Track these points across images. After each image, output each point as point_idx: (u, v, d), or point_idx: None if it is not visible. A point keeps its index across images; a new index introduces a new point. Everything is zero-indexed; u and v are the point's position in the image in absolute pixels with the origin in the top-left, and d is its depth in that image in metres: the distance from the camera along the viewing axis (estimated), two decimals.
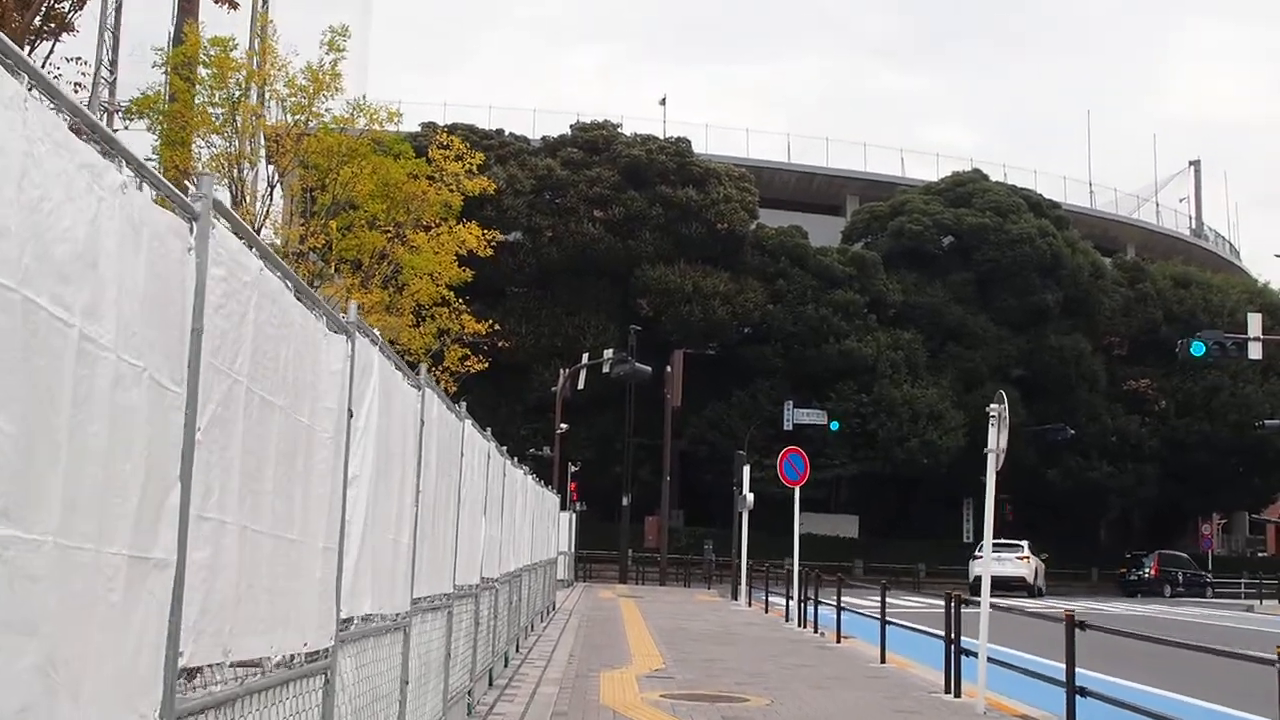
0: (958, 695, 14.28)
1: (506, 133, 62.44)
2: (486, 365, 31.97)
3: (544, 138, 63.09)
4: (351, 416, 5.61)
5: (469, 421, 10.17)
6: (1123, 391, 68.28)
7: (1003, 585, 53.75)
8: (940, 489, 65.35)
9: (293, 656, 4.79)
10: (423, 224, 28.91)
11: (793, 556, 28.67)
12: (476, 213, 34.08)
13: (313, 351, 4.91)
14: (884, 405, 60.20)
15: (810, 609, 25.54)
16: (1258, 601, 50.47)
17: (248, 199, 27.93)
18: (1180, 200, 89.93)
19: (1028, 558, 52.81)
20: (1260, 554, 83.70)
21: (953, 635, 14.62)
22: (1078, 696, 10.88)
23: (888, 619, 19.61)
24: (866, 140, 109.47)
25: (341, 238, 27.97)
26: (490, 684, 13.78)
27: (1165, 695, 14.97)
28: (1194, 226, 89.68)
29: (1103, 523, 76.26)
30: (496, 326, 32.26)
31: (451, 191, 29.83)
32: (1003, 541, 51.72)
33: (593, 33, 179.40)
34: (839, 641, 21.79)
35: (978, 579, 54.26)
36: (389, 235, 28.07)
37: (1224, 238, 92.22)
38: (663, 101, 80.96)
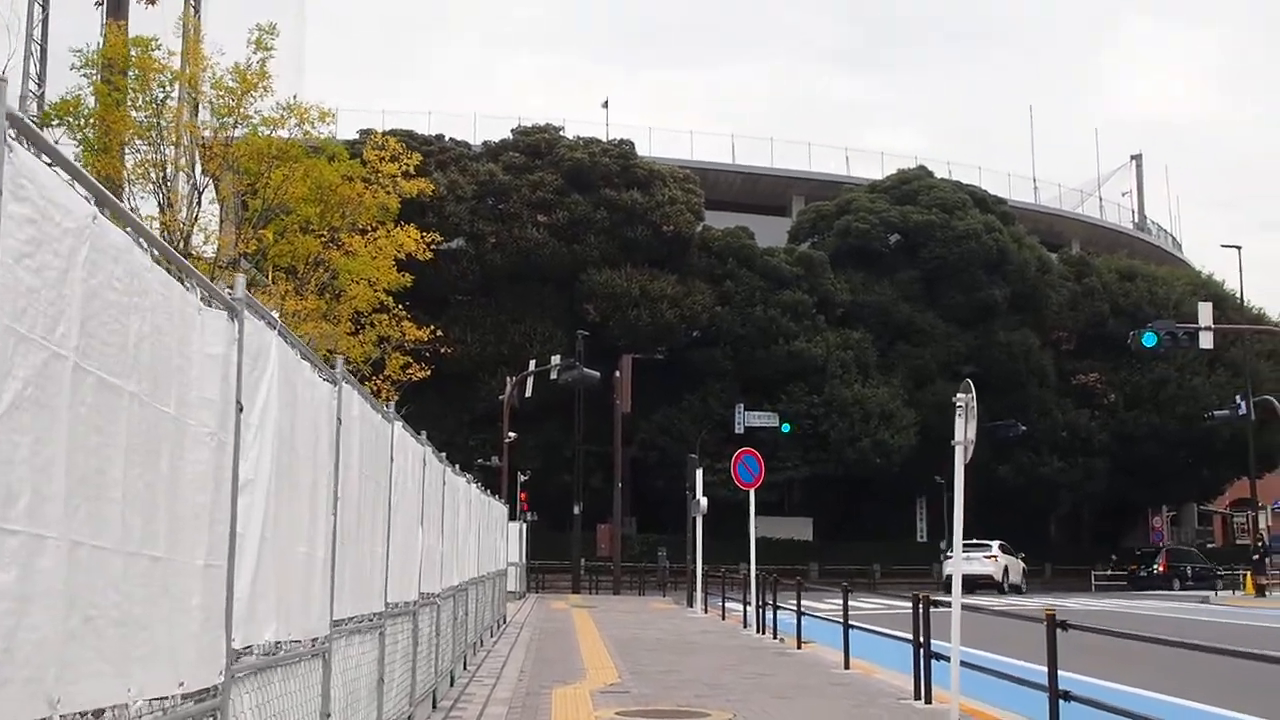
0: (928, 701, 13.56)
1: (447, 138, 61.56)
2: (429, 373, 31.03)
3: (485, 143, 62.18)
4: (241, 410, 4.78)
5: (399, 424, 9.32)
6: (1071, 386, 68.09)
7: (972, 584, 54.19)
8: (893, 488, 64.89)
9: (166, 699, 3.95)
10: (359, 228, 27.95)
11: (749, 561, 27.95)
12: (417, 219, 33.14)
13: (180, 329, 4.08)
14: (835, 406, 59.67)
15: (768, 614, 24.83)
16: (1212, 593, 50.14)
17: (175, 206, 26.88)
18: (1123, 194, 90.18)
19: (995, 556, 53.95)
20: (1210, 545, 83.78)
21: (921, 638, 13.91)
22: (1061, 701, 10.13)
23: (850, 623, 18.96)
24: (811, 140, 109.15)
25: (274, 243, 27.00)
26: (434, 706, 12.92)
27: (1153, 697, 14.29)
28: (1137, 220, 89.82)
29: (1053, 517, 76.08)
30: (439, 333, 31.28)
31: (388, 194, 28.89)
32: (973, 542, 53.12)
33: (535, 40, 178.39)
34: (799, 647, 21.05)
35: (949, 578, 54.38)
36: (324, 240, 27.10)
37: (1166, 231, 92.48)
38: (605, 105, 79.25)
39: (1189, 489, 74.94)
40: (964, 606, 12.75)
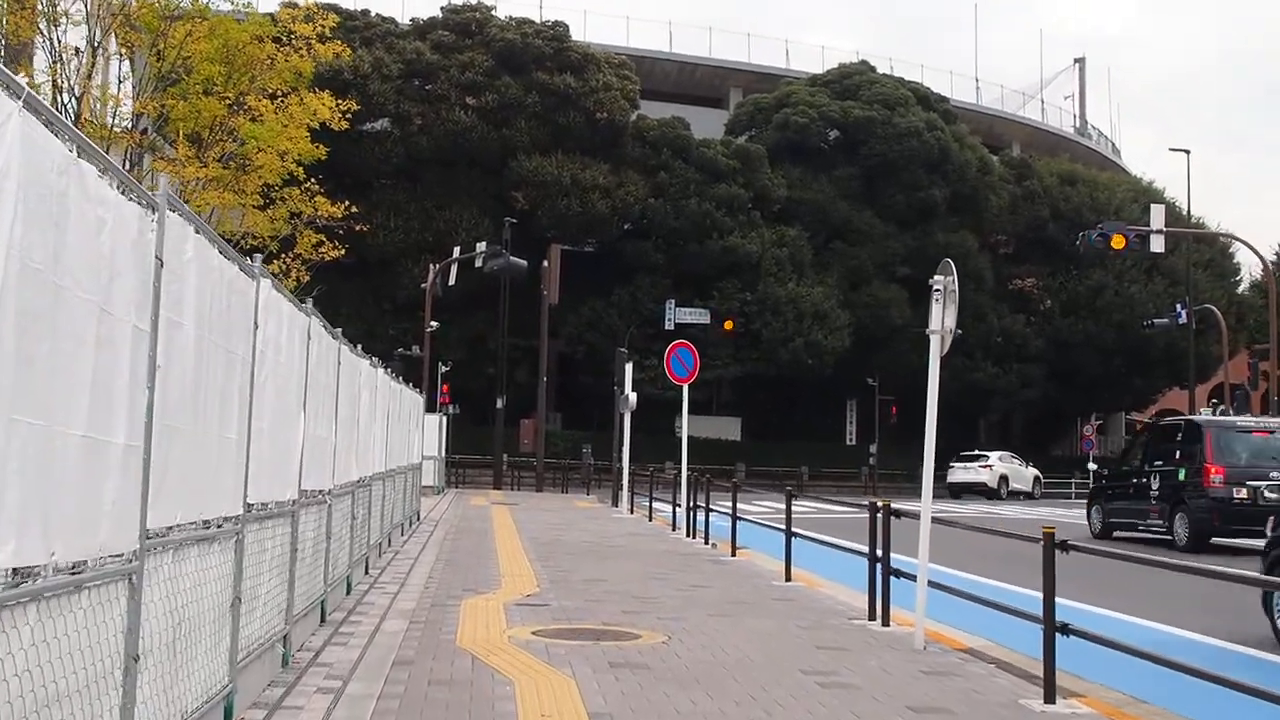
0: (886, 624, 12.03)
1: (373, 13, 58.76)
2: (343, 253, 28.93)
3: (413, 20, 59.56)
4: None
5: (269, 282, 7.49)
6: (1008, 291, 66.98)
7: (967, 489, 54.92)
8: (824, 390, 63.68)
9: None
10: (268, 93, 25.73)
11: (678, 460, 26.41)
12: (338, 96, 30.96)
13: None
14: (768, 304, 58.22)
15: (699, 517, 23.36)
16: None
17: (64, 61, 24.49)
18: (1065, 98, 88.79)
19: (991, 465, 57.74)
20: None
21: (879, 552, 12.36)
22: (1058, 635, 8.57)
23: (766, 524, 17.45)
24: (750, 31, 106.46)
25: (175, 105, 24.80)
26: (322, 619, 11.22)
27: (1158, 629, 12.83)
28: (1078, 125, 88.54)
29: (982, 424, 75.37)
30: (354, 209, 29.15)
31: (301, 58, 26.65)
32: (973, 453, 59.25)
33: None
34: (734, 554, 19.50)
35: (956, 485, 55.45)
36: (229, 104, 24.89)
37: (1106, 137, 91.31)
38: None
39: (1120, 398, 74.36)
40: (933, 519, 11.16)
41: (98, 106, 25.69)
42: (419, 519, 26.11)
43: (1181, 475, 24.86)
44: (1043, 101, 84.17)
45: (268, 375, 7.51)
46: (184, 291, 5.45)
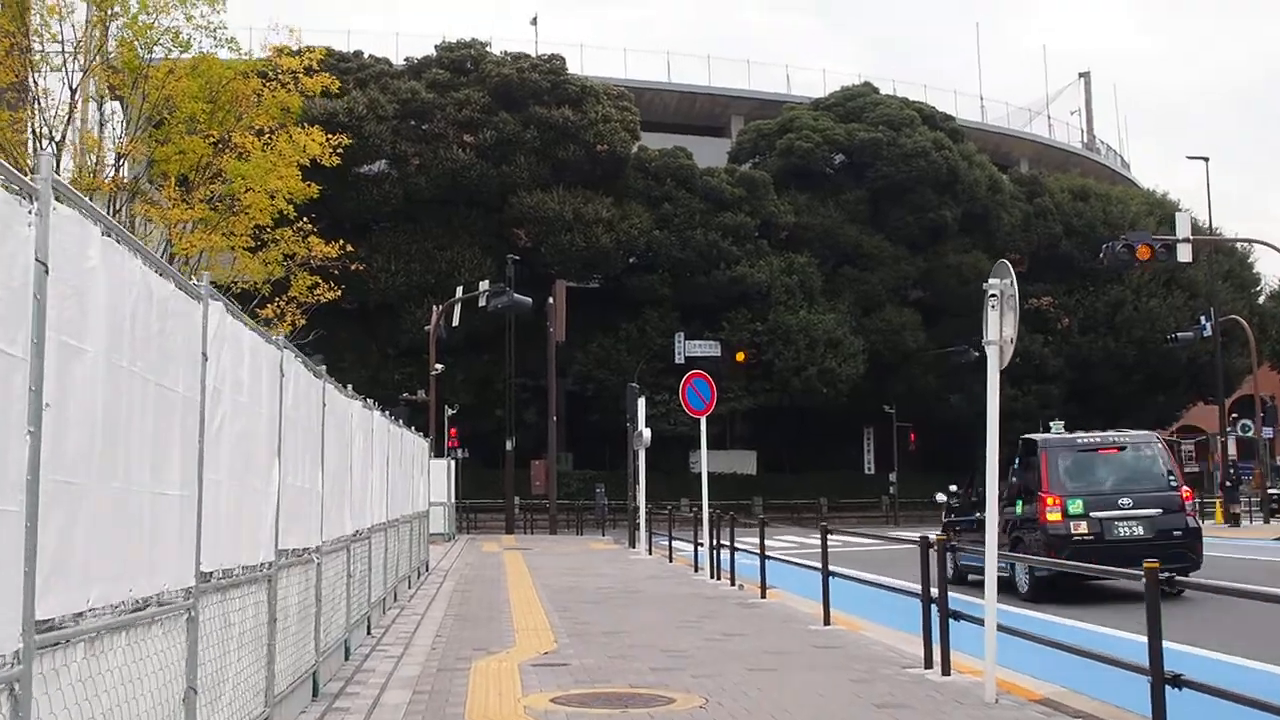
0: (946, 672, 10.73)
1: (366, 54, 57.79)
2: (339, 294, 27.68)
3: (407, 59, 58.49)
4: None
5: (220, 305, 6.25)
6: (1024, 311, 65.08)
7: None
8: (840, 419, 62.31)
9: None
10: (255, 129, 24.58)
11: (696, 497, 25.13)
12: (333, 139, 29.86)
13: None
14: (779, 333, 56.97)
15: (722, 556, 22.09)
16: None
17: (41, 104, 23.39)
18: (1071, 113, 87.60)
19: None
20: None
21: (933, 591, 11.09)
22: (1169, 687, 7.29)
23: (797, 562, 16.03)
24: (750, 58, 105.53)
25: (157, 147, 23.70)
26: (315, 693, 9.95)
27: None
28: (1086, 140, 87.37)
29: (1003, 447, 73.83)
30: (349, 248, 27.93)
31: (289, 92, 25.51)
32: None
33: None
34: (763, 596, 18.22)
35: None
36: (214, 142, 23.75)
37: (1115, 151, 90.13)
38: (534, 21, 76.00)
39: (1143, 416, 72.75)
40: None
41: (79, 153, 24.57)
42: (427, 569, 24.83)
43: (1018, 508, 19.95)
44: (1049, 117, 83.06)
45: (224, 417, 6.28)
46: (86, 308, 4.23)
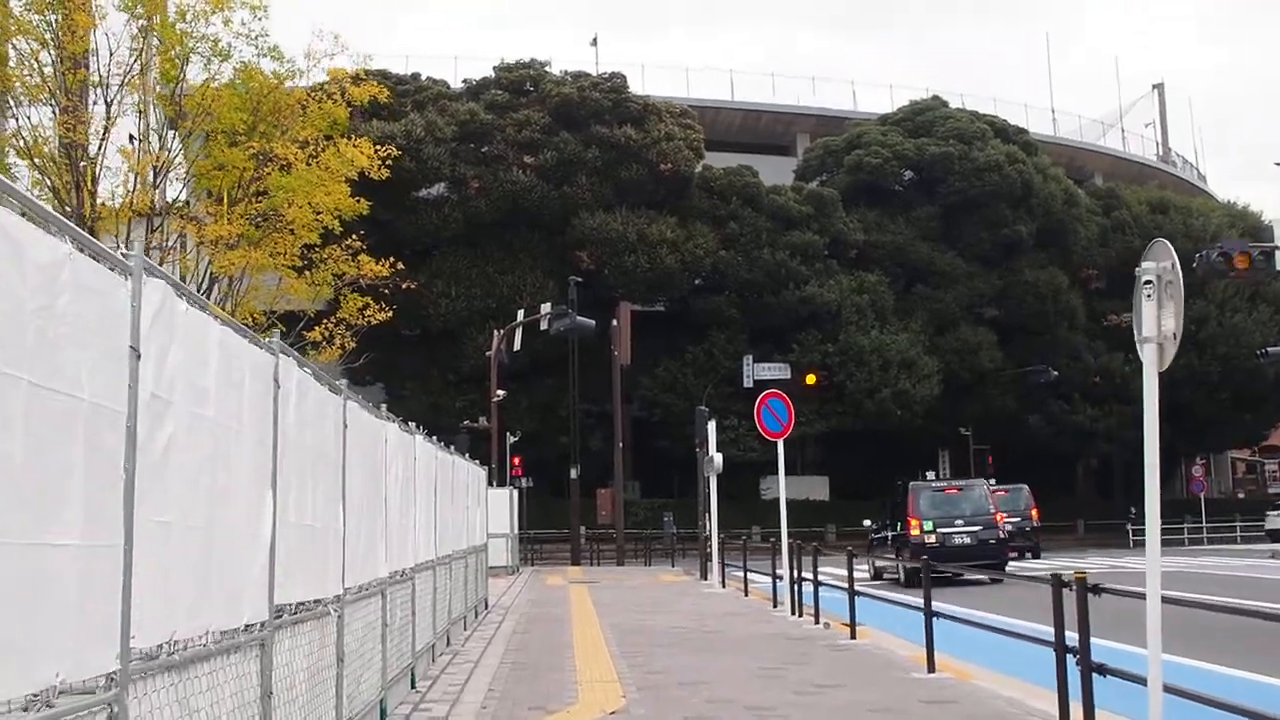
0: None
1: (424, 76, 56.60)
2: (390, 315, 26.21)
3: (466, 81, 57.27)
4: None
5: (160, 283, 4.61)
6: (1103, 328, 63.37)
7: None
8: (914, 442, 60.17)
9: None
10: (298, 141, 23.19)
11: (778, 523, 23.37)
12: (392, 164, 28.52)
13: None
14: (851, 355, 55.22)
15: (798, 589, 20.39)
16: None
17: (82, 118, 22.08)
18: (1145, 126, 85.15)
19: None
20: (1248, 494, 79.52)
21: (1074, 640, 9.34)
22: None
23: (889, 598, 14.23)
24: (814, 75, 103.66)
25: (195, 161, 22.40)
26: None
27: None
28: (1160, 152, 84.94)
29: (1080, 468, 71.61)
30: (399, 265, 26.43)
31: (335, 103, 24.15)
32: None
33: (525, 8, 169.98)
34: (853, 636, 16.46)
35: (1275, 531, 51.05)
36: (253, 154, 22.36)
37: (1190, 164, 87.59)
38: (594, 42, 74.94)
39: (1228, 435, 70.36)
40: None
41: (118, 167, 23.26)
42: (486, 607, 23.24)
43: (899, 527, 30.83)
44: (1123, 130, 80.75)
45: (175, 437, 4.69)
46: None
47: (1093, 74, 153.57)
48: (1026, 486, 44.32)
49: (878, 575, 31.10)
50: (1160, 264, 8.06)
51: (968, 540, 29.46)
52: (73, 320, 3.75)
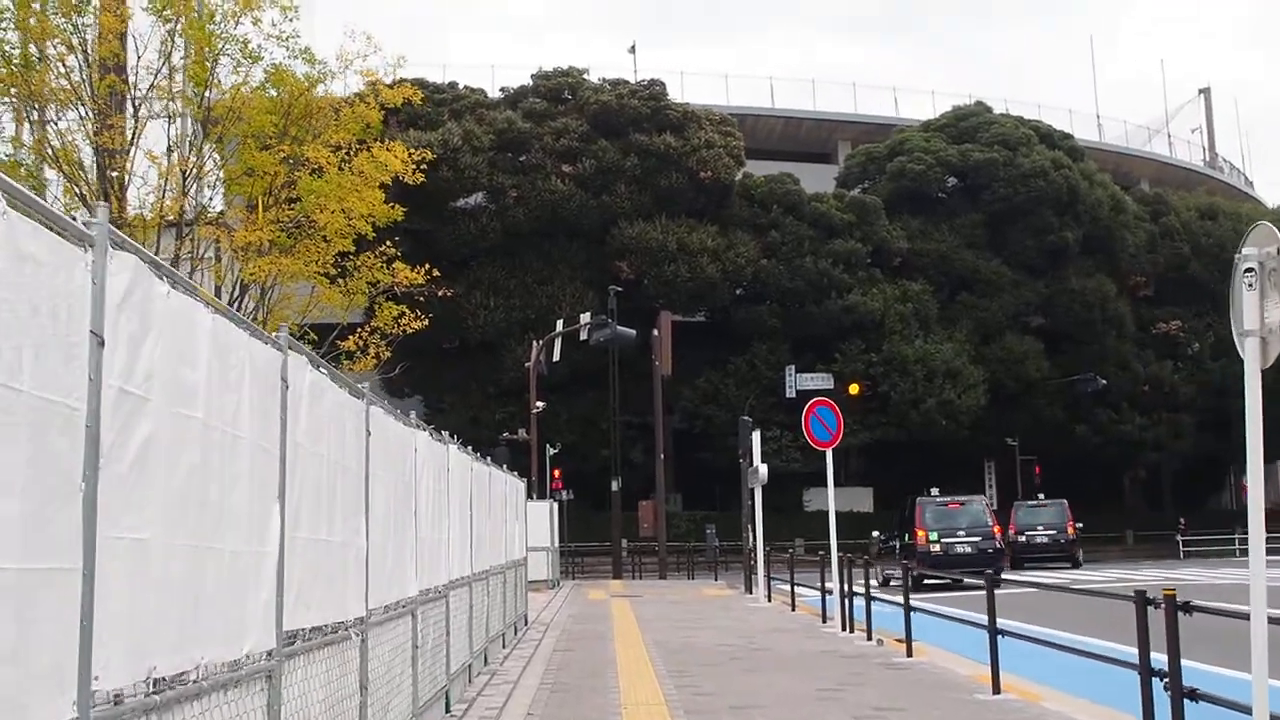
0: None
1: (461, 85, 56.10)
2: (426, 323, 25.55)
3: (503, 89, 56.74)
4: None
5: (130, 258, 3.94)
6: (1152, 336, 62.24)
7: None
8: (959, 453, 59.13)
9: None
10: (331, 144, 22.58)
11: (827, 534, 22.60)
12: (429, 173, 27.95)
13: None
14: (895, 364, 54.29)
15: (849, 603, 19.64)
16: None
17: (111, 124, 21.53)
18: (1192, 131, 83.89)
19: None
20: None
21: (1157, 661, 8.58)
22: None
23: (949, 614, 13.44)
24: (855, 81, 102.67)
25: (225, 164, 21.86)
26: None
27: None
28: (1207, 158, 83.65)
29: (1128, 479, 70.33)
30: (435, 272, 25.75)
31: (368, 105, 23.56)
32: None
33: (561, 19, 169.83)
34: (910, 654, 15.69)
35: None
36: (285, 157, 21.77)
37: (1238, 169, 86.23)
38: (632, 49, 74.11)
39: None
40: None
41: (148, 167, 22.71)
42: (526, 623, 22.56)
43: (906, 537, 34.58)
44: (1169, 135, 79.51)
45: (150, 441, 4.00)
46: None
47: (1137, 78, 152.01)
48: (1065, 501, 47.69)
49: (885, 583, 31.70)
50: (1264, 249, 7.27)
51: (968, 549, 33.35)
52: (5, 293, 3.07)
